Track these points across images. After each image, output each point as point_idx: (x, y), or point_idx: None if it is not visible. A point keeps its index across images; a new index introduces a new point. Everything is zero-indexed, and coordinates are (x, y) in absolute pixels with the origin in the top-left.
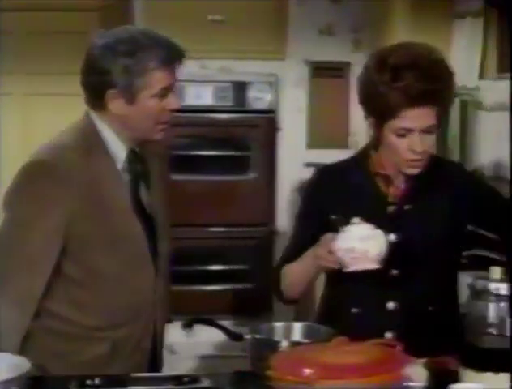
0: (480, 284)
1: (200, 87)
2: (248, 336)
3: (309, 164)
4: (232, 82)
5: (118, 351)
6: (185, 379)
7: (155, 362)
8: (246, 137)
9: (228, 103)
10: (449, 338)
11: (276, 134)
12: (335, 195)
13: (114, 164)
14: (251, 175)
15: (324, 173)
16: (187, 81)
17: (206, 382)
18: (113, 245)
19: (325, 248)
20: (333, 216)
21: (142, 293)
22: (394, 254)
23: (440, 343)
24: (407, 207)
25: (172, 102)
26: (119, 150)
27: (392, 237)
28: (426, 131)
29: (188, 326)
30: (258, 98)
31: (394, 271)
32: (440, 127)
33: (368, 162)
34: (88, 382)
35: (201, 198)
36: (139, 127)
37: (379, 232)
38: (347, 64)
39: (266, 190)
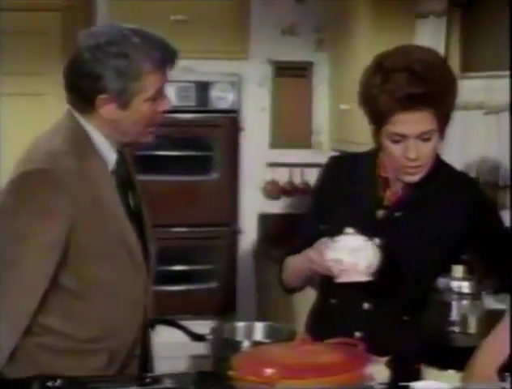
0: (442, 282)
1: None
2: (210, 336)
3: (272, 164)
4: (194, 82)
5: (114, 361)
6: (148, 380)
7: (145, 367)
8: (209, 137)
9: (191, 103)
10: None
11: (239, 133)
12: (338, 192)
13: (107, 168)
14: (214, 175)
15: (334, 167)
16: None
17: (168, 383)
18: (110, 253)
19: (318, 253)
20: (322, 226)
21: (137, 299)
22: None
23: (408, 353)
24: (397, 213)
25: (164, 103)
26: (109, 153)
27: (376, 241)
28: (423, 138)
29: (150, 327)
30: (221, 98)
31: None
32: (443, 134)
33: (377, 162)
34: (49, 383)
35: (164, 198)
36: (130, 131)
37: (370, 245)
38: (310, 64)
39: (228, 190)
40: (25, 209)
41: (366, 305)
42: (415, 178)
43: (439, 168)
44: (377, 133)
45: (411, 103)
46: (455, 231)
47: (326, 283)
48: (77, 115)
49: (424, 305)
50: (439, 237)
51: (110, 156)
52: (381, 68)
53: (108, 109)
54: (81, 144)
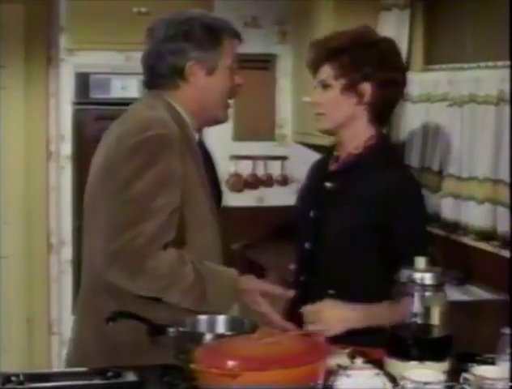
0: (404, 273)
1: (125, 79)
2: (172, 329)
3: (235, 157)
4: None
5: None
6: (110, 374)
7: None
8: None
9: None
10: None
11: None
12: (307, 180)
13: (195, 141)
14: None
15: (312, 165)
16: (112, 73)
17: (130, 376)
18: (204, 220)
19: None
20: None
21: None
22: (309, 230)
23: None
24: (328, 184)
25: (238, 77)
26: (192, 130)
27: (311, 213)
28: (325, 85)
29: (111, 319)
30: None
31: (307, 245)
32: (349, 86)
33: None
34: (13, 378)
35: None
36: (215, 102)
37: (381, 379)
38: (273, 56)
39: None
40: (148, 172)
41: (302, 278)
42: (320, 126)
43: (378, 146)
44: None
45: (319, 56)
46: (376, 213)
47: None
48: (163, 94)
49: (355, 279)
50: (365, 214)
51: (194, 133)
52: None
53: (197, 77)
54: (176, 117)
